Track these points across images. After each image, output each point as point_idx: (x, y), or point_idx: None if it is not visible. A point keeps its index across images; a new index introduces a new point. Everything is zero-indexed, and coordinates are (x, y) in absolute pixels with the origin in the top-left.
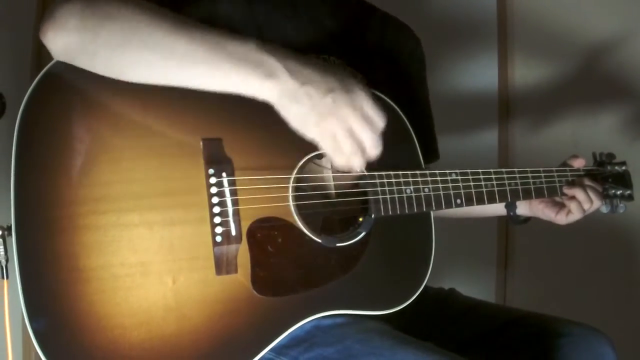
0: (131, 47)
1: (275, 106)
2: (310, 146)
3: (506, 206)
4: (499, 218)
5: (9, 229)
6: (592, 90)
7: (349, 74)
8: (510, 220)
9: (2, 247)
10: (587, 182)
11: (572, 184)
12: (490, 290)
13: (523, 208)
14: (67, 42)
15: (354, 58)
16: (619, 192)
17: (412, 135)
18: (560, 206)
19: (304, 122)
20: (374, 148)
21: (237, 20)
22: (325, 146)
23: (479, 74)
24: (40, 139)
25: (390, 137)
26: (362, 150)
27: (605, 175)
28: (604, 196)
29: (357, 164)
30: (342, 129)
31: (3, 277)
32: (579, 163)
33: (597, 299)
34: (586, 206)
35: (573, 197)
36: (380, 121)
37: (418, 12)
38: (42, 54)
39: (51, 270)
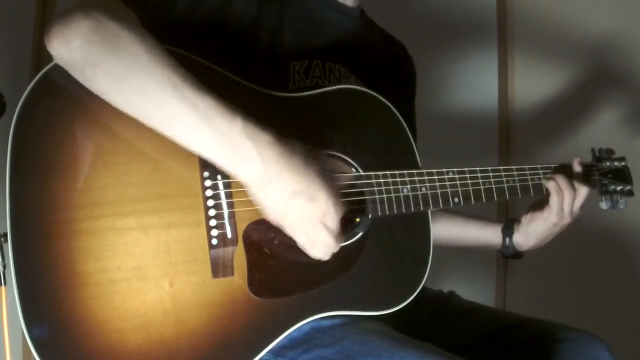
0: (126, 88)
1: (245, 185)
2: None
3: (503, 230)
4: (498, 214)
5: (5, 235)
6: (593, 89)
7: (320, 176)
8: (502, 251)
9: None
10: (575, 170)
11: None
12: (490, 291)
13: (518, 235)
14: (68, 57)
15: (358, 65)
16: (618, 188)
17: (408, 136)
18: (544, 203)
19: (266, 209)
20: (324, 252)
21: (249, 19)
22: (284, 230)
23: (478, 75)
24: (35, 143)
25: (387, 138)
26: (317, 248)
27: (605, 171)
28: (604, 192)
29: (314, 255)
30: (299, 227)
31: (1, 284)
32: (576, 167)
33: (597, 300)
34: (567, 193)
35: (552, 180)
36: (335, 230)
37: (418, 12)
38: (42, 54)
39: (48, 276)
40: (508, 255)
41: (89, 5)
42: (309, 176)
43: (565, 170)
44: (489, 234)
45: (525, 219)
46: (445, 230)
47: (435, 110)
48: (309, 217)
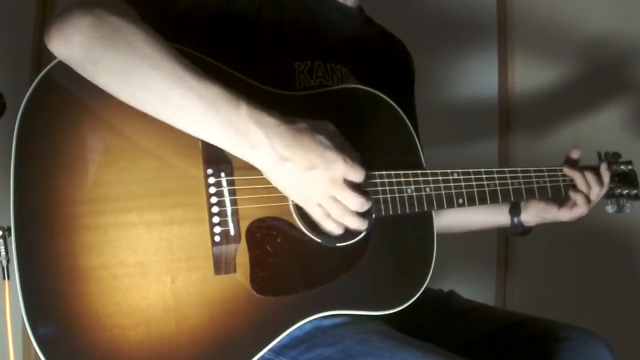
0: (129, 83)
1: (261, 170)
2: None
3: (510, 211)
4: None
5: (8, 229)
6: (593, 90)
7: (331, 144)
8: (510, 230)
9: (2, 247)
10: (585, 170)
11: (571, 168)
12: (490, 290)
13: (525, 215)
14: (69, 55)
15: (358, 65)
16: (625, 192)
17: (413, 136)
18: (562, 201)
19: (287, 190)
20: (360, 207)
21: (250, 19)
22: (312, 213)
23: (479, 75)
24: (39, 139)
25: (391, 138)
26: (350, 212)
27: (611, 174)
28: (609, 195)
29: (351, 224)
30: (324, 198)
31: (4, 278)
32: (575, 153)
33: (597, 300)
34: (584, 189)
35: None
36: (360, 177)
37: (418, 12)
38: (42, 54)
39: (50, 270)
40: (517, 234)
41: (88, 3)
42: (319, 147)
43: (584, 173)
44: (496, 216)
45: (536, 207)
46: (455, 217)
47: (437, 109)
48: (332, 182)
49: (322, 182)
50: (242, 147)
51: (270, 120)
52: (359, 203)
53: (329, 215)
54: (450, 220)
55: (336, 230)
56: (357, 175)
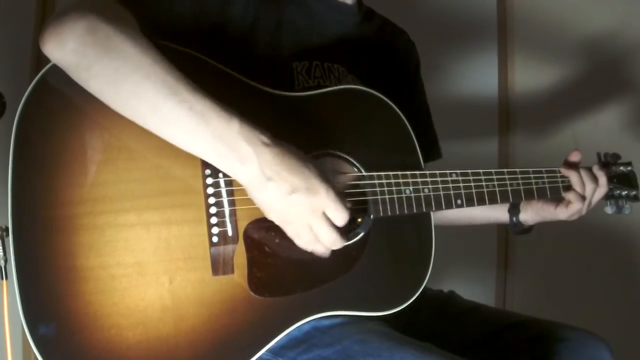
0: (121, 91)
1: (244, 187)
2: (310, 146)
3: (509, 210)
4: None
5: (6, 229)
6: (593, 90)
7: (317, 172)
8: (512, 229)
9: (0, 247)
10: (581, 169)
11: (567, 168)
12: (490, 291)
13: (524, 214)
14: (62, 59)
15: (356, 63)
16: (624, 193)
17: (411, 136)
18: (559, 200)
19: (266, 209)
20: (332, 245)
21: (248, 20)
22: (286, 230)
23: (478, 75)
24: (37, 139)
25: (390, 138)
26: (321, 243)
27: (610, 175)
28: (609, 196)
29: (318, 251)
30: (301, 223)
31: (2, 278)
32: (575, 156)
33: (597, 300)
34: (579, 188)
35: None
36: (341, 220)
37: (418, 12)
38: (42, 54)
39: (48, 270)
40: (517, 232)
41: (84, 7)
42: (306, 172)
43: (580, 172)
44: (498, 213)
45: (535, 206)
46: (456, 211)
47: (435, 112)
48: (310, 210)
49: (302, 207)
50: (230, 161)
51: (260, 138)
52: (332, 240)
53: (300, 238)
54: (452, 214)
55: (306, 250)
56: (337, 213)
